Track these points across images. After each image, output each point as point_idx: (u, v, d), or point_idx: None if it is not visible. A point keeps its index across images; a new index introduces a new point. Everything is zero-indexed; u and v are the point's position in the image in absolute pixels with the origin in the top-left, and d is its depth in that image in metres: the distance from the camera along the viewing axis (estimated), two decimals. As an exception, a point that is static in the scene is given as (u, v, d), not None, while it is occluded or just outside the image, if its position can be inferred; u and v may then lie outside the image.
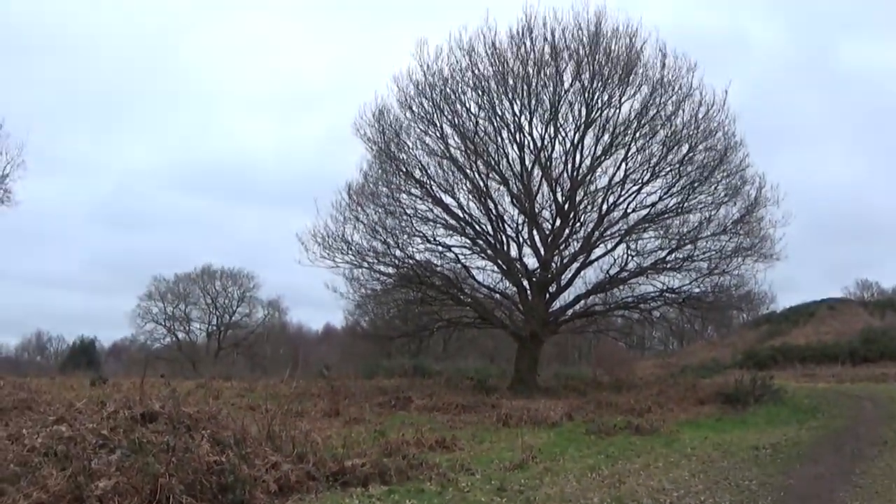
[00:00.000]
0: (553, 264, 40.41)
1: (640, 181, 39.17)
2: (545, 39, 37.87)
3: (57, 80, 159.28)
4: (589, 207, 40.10)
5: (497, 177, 39.32)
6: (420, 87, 38.85)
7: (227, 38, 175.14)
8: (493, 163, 39.14)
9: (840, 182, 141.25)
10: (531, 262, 40.93)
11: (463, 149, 38.91)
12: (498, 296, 42.38)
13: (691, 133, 38.24)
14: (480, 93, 38.49)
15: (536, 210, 39.76)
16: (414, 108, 39.03)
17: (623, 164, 39.02)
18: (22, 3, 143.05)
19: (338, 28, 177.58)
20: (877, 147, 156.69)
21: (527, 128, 38.74)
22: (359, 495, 11.96)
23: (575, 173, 39.12)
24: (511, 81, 38.03)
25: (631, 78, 37.94)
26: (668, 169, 38.82)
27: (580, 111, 38.41)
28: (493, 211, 39.85)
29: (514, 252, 40.64)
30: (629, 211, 39.75)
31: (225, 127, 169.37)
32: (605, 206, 39.62)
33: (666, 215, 39.45)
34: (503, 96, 38.35)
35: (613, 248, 40.37)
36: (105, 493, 8.56)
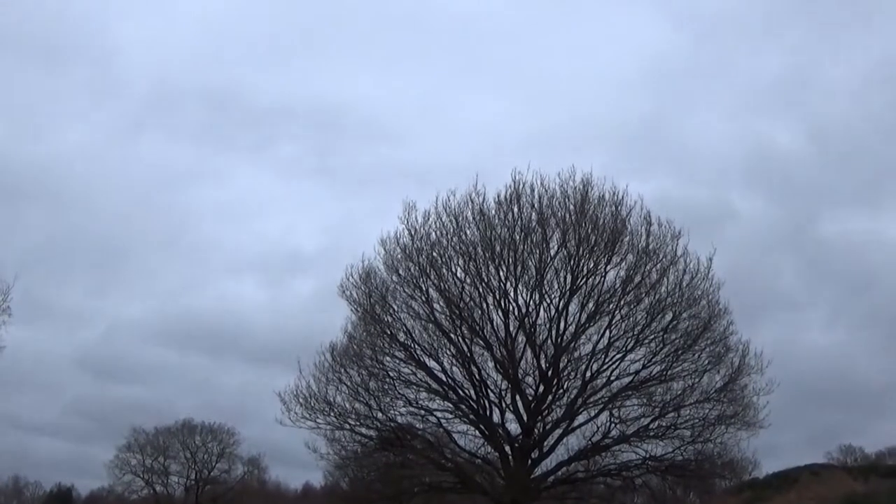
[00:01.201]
0: (536, 430, 40.24)
1: (624, 349, 39.26)
2: (532, 206, 38.55)
3: (49, 229, 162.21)
4: (573, 374, 39.94)
5: (481, 342, 39.36)
6: (407, 251, 39.29)
7: (218, 198, 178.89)
8: (477, 328, 39.17)
9: (821, 348, 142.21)
10: (513, 427, 40.74)
11: (448, 313, 39.05)
12: (479, 461, 42.10)
13: (676, 301, 38.53)
14: (467, 258, 38.76)
15: (520, 376, 39.70)
16: (400, 271, 39.40)
17: (607, 332, 39.10)
18: (24, 153, 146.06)
19: (327, 192, 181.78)
20: (857, 314, 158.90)
21: (512, 294, 38.93)
22: None
23: (559, 340, 39.16)
24: (497, 247, 38.34)
25: (616, 246, 38.40)
26: (652, 336, 38.90)
27: (566, 278, 38.68)
28: (477, 376, 39.74)
29: (496, 417, 40.47)
30: (613, 378, 39.69)
31: (213, 285, 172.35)
32: (588, 374, 39.54)
33: (649, 383, 39.39)
34: (489, 262, 38.60)
35: (597, 416, 40.20)
36: None
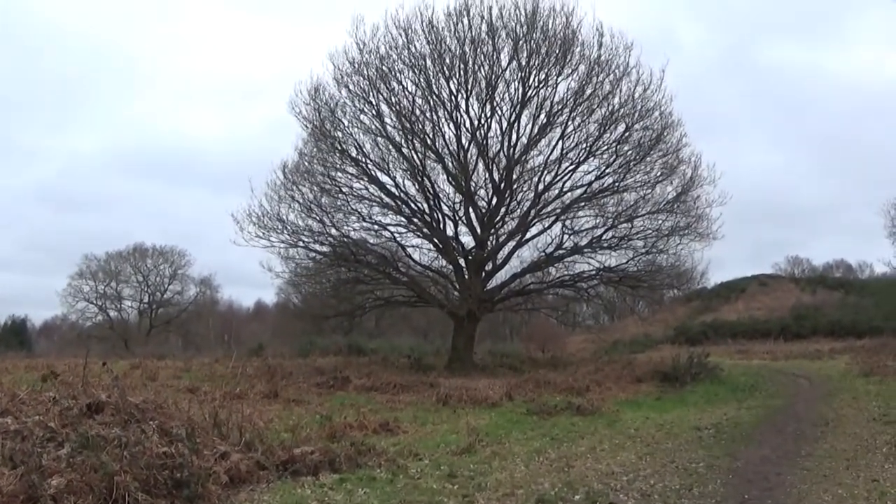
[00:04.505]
0: (489, 243, 40.47)
1: (576, 160, 39.41)
2: (482, 17, 37.80)
3: (6, 69, 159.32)
4: (525, 186, 40.23)
5: (433, 155, 39.17)
6: (356, 65, 38.53)
7: (171, 33, 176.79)
8: (429, 141, 38.90)
9: (761, 169, 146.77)
10: (467, 240, 41.12)
11: (399, 127, 38.69)
12: (434, 274, 42.38)
13: (628, 112, 38.50)
14: (417, 71, 38.28)
15: (473, 189, 39.77)
16: (350, 85, 38.72)
17: (559, 143, 39.24)
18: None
19: (280, 23, 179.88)
20: (797, 138, 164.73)
21: (463, 106, 38.66)
22: (311, 485, 11.80)
23: (511, 152, 39.16)
24: (448, 60, 37.84)
25: (568, 57, 37.97)
26: (605, 148, 39.08)
27: (517, 90, 38.45)
28: (430, 189, 39.77)
29: (450, 230, 40.73)
30: (565, 190, 40.03)
31: (168, 116, 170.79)
32: (541, 185, 39.78)
33: (602, 194, 39.70)
34: (440, 75, 38.15)
35: (549, 227, 40.61)
36: (59, 492, 8.30)
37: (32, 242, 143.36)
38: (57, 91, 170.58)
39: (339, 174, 39.44)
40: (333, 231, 39.64)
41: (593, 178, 39.66)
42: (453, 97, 38.52)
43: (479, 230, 40.16)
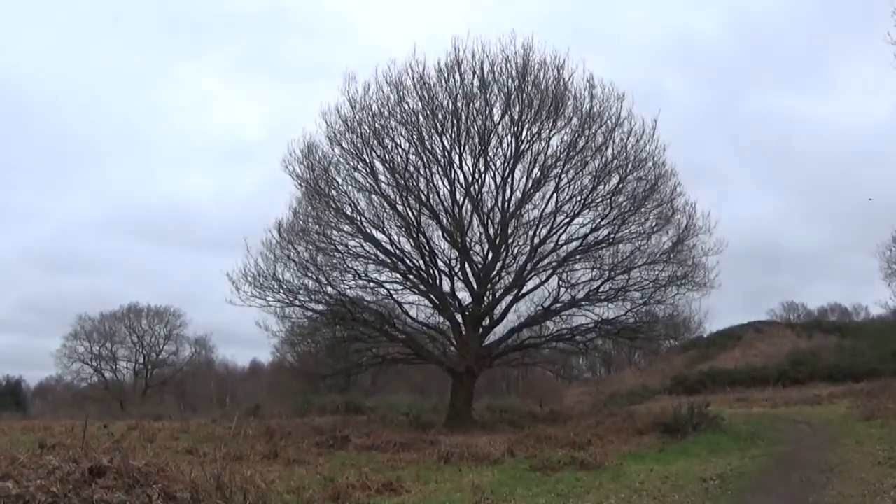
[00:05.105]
0: (486, 298, 40.34)
1: (571, 213, 39.38)
2: (474, 72, 37.85)
3: (2, 131, 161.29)
4: (521, 240, 40.17)
5: (428, 211, 39.02)
6: (349, 123, 38.50)
7: (165, 98, 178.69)
8: (423, 197, 38.77)
9: (751, 216, 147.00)
10: (464, 295, 40.90)
11: (393, 184, 38.56)
12: (431, 331, 42.17)
13: (622, 163, 38.53)
14: (410, 127, 38.29)
15: (468, 244, 39.63)
16: (343, 143, 38.68)
17: (554, 196, 39.18)
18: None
19: (272, 88, 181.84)
20: (786, 183, 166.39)
21: (457, 162, 38.67)
22: (317, 547, 11.67)
23: (506, 206, 39.13)
24: (440, 116, 37.91)
25: (560, 110, 38.05)
26: (600, 200, 39.04)
27: (510, 144, 38.56)
28: (425, 246, 39.55)
29: (446, 287, 40.49)
30: (561, 243, 39.92)
31: (162, 179, 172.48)
32: (536, 239, 39.69)
33: (598, 246, 39.56)
34: (433, 130, 38.18)
35: (546, 281, 40.46)
36: (64, 560, 8.19)
37: (27, 303, 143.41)
38: (51, 153, 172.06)
39: (335, 232, 39.33)
40: (329, 289, 39.59)
41: (588, 231, 39.60)
42: (447, 153, 38.55)
43: (475, 285, 40.08)
